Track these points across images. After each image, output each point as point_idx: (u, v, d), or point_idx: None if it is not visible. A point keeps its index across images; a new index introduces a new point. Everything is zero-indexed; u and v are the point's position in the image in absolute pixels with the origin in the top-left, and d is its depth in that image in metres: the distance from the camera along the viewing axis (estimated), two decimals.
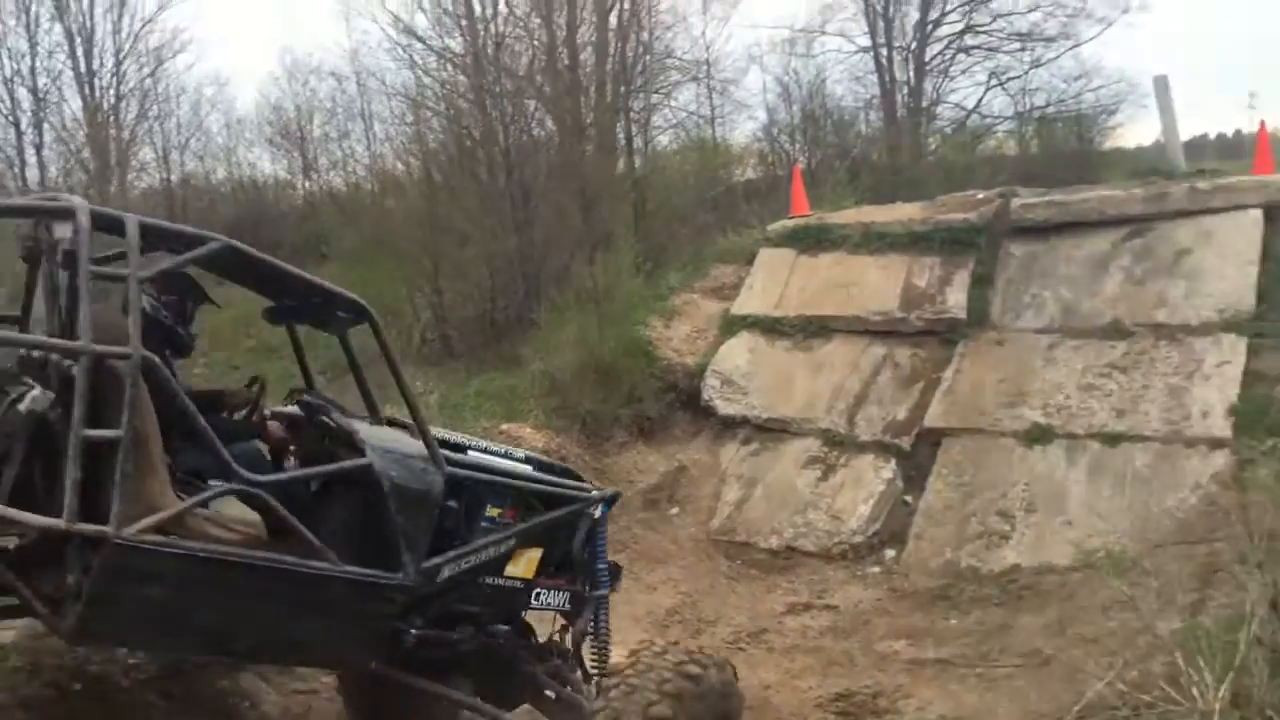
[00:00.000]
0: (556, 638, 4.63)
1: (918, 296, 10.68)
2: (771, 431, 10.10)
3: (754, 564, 8.95)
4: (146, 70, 23.41)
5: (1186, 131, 18.26)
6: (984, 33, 25.57)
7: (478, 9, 19.98)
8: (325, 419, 4.06)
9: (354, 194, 23.25)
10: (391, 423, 4.54)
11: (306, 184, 26.42)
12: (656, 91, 22.90)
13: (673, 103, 23.80)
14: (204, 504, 3.50)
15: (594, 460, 9.79)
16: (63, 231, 3.31)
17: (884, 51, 25.46)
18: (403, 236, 15.15)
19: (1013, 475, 8.65)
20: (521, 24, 20.29)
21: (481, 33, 19.35)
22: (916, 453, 9.37)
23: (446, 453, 4.14)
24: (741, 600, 8.38)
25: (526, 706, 4.60)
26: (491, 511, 4.23)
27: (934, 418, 9.48)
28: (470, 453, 4.34)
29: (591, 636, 4.69)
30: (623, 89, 21.19)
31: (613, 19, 22.03)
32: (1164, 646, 4.83)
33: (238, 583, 3.49)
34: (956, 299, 10.48)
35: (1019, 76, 25.23)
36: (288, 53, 29.79)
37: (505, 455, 4.53)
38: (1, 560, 3.32)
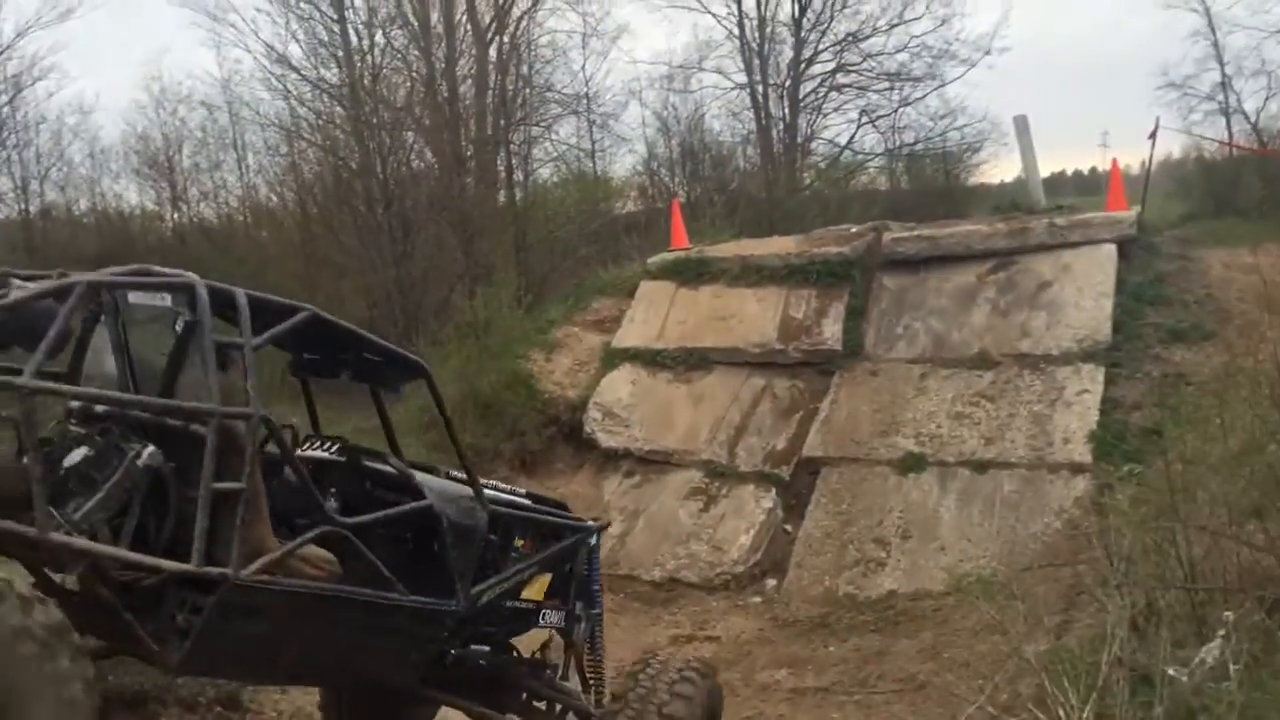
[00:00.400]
0: (539, 654, 4.96)
1: (795, 328, 10.88)
2: (654, 463, 10.14)
3: (638, 597, 8.94)
4: (4, 98, 22.48)
5: (1046, 168, 19.00)
6: (855, 72, 26.31)
7: (354, 40, 19.79)
8: (381, 465, 4.45)
9: (226, 226, 22.68)
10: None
11: (175, 215, 25.65)
12: (537, 124, 22.93)
13: (553, 136, 23.87)
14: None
15: None
16: (177, 304, 3.77)
17: (760, 88, 25.98)
18: (277, 269, 14.80)
19: (888, 503, 8.84)
20: (400, 56, 20.14)
21: (359, 64, 19.14)
22: (796, 482, 9.52)
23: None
24: (625, 634, 8.33)
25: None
26: (518, 542, 4.70)
27: (812, 447, 9.65)
28: (488, 492, 4.69)
29: (589, 650, 5.09)
30: (503, 121, 21.16)
31: (492, 52, 22.03)
32: (1031, 668, 4.96)
33: (326, 615, 3.83)
34: (832, 331, 10.71)
35: (889, 115, 26.03)
36: (155, 80, 28.91)
37: (510, 493, 4.98)
38: (120, 600, 3.50)
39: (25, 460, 3.30)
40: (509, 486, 5.05)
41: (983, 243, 10.97)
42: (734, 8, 26.39)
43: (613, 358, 11.36)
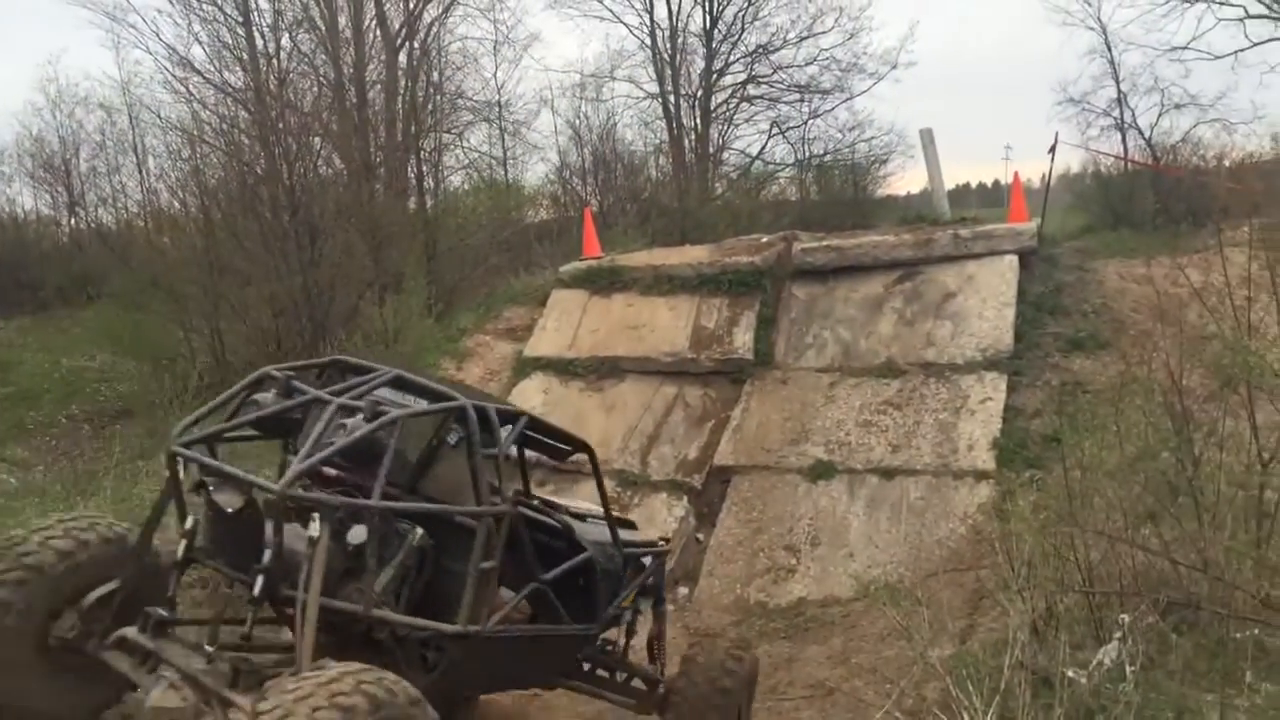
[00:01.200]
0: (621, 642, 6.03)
1: (707, 337, 10.94)
2: (566, 473, 10.05)
3: None
4: None
5: (951, 181, 19.49)
6: (765, 83, 26.74)
7: (260, 43, 19.43)
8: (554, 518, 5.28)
9: (125, 232, 22.07)
10: None
11: (73, 221, 24.95)
12: (448, 131, 22.82)
13: (465, 143, 23.78)
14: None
15: None
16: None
17: (672, 98, 26.18)
18: (179, 276, 14.43)
19: (798, 510, 8.92)
20: (307, 60, 19.84)
21: (264, 68, 18.79)
22: (708, 490, 9.55)
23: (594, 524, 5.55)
24: None
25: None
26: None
27: (724, 456, 9.69)
28: (589, 520, 5.60)
29: (658, 636, 6.14)
30: (413, 128, 20.97)
31: (402, 58, 21.84)
32: (936, 673, 5.05)
33: (526, 647, 4.95)
34: (744, 340, 10.78)
35: (798, 126, 26.52)
36: (51, 83, 28.01)
37: (602, 519, 5.67)
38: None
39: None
40: (599, 510, 5.70)
41: (889, 253, 11.16)
42: (646, 18, 26.66)
43: (524, 367, 11.29)
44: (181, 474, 4.30)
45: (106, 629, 4.26)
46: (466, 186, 23.72)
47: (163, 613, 4.16)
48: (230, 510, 4.15)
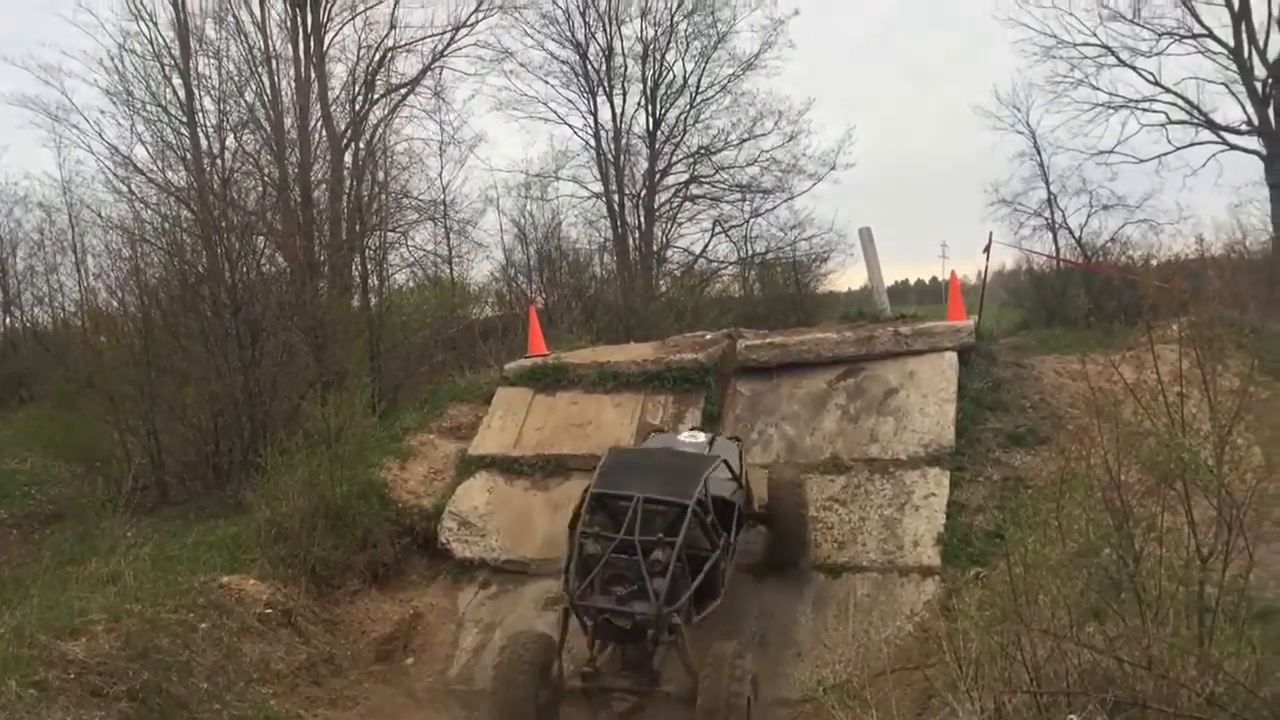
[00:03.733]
0: None
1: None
2: (511, 573, 9.94)
3: None
4: None
5: (891, 277, 19.91)
6: (708, 183, 27.35)
7: (204, 143, 19.50)
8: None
9: (62, 331, 21.75)
10: None
11: (7, 321, 24.59)
12: (393, 230, 22.92)
13: (410, 241, 23.88)
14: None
15: (324, 611, 9.29)
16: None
17: (616, 197, 26.62)
18: (116, 376, 14.16)
19: (744, 606, 8.83)
20: (252, 160, 19.92)
21: (208, 167, 18.83)
22: None
23: None
24: None
25: None
26: None
27: None
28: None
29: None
30: (358, 227, 21.05)
31: (348, 158, 22.02)
32: None
33: None
34: None
35: (741, 225, 27.06)
36: None
37: None
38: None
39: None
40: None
41: (832, 350, 11.30)
42: (590, 120, 27.22)
43: (469, 465, 11.18)
44: None
45: None
46: (411, 284, 23.78)
47: None
48: None
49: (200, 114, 20.21)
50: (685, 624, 7.16)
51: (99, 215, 19.54)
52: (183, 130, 20.15)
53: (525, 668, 6.95)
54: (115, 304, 15.53)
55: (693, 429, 10.04)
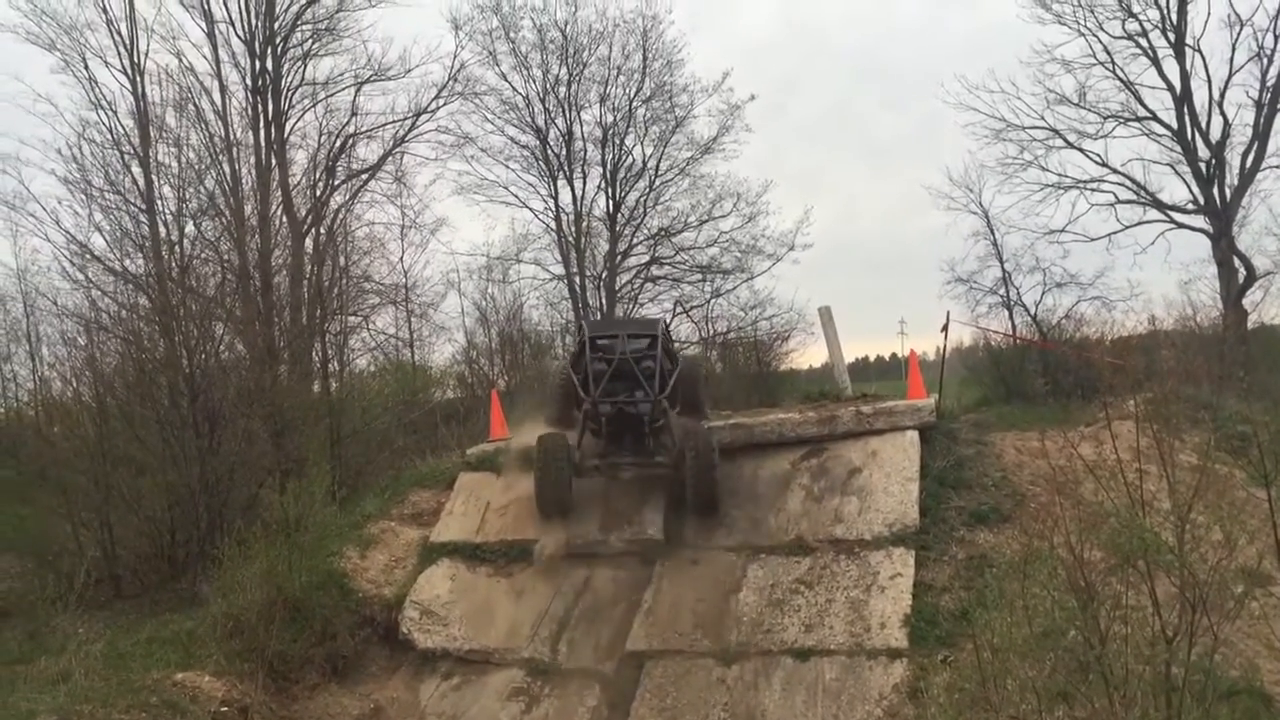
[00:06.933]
0: None
1: (616, 518, 10.84)
2: (474, 663, 9.74)
3: None
4: None
5: (851, 354, 20.06)
6: (668, 264, 27.54)
7: (162, 231, 19.43)
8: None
9: (14, 422, 21.38)
10: None
11: None
12: (354, 314, 22.85)
13: (371, 326, 23.81)
14: None
15: (281, 708, 9.03)
16: None
17: (577, 279, 26.73)
18: (69, 467, 13.91)
19: (713, 696, 8.69)
20: (211, 246, 19.85)
21: (167, 255, 18.74)
22: (620, 678, 9.25)
23: None
24: None
25: None
26: None
27: (635, 640, 9.46)
28: None
29: None
30: (319, 312, 20.97)
31: (309, 243, 22.02)
32: None
33: None
34: (653, 519, 10.72)
35: (702, 305, 27.16)
36: None
37: None
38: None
39: None
40: None
41: (795, 430, 11.33)
42: (551, 204, 27.44)
43: (431, 553, 11.02)
44: None
45: None
46: (372, 369, 23.66)
47: None
48: None
49: (160, 201, 20.14)
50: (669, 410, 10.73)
51: (54, 303, 19.33)
52: (141, 218, 20.06)
53: (560, 453, 10.60)
54: (69, 394, 15.31)
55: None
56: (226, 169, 21.27)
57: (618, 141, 27.30)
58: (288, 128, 23.14)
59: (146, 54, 21.75)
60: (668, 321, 12.92)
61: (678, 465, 10.47)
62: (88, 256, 19.31)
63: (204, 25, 22.41)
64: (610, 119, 27.18)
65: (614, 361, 10.86)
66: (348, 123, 23.96)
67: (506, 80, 26.77)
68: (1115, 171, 23.63)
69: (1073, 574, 5.21)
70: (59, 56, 21.42)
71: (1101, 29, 23.11)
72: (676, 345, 12.52)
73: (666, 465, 10.59)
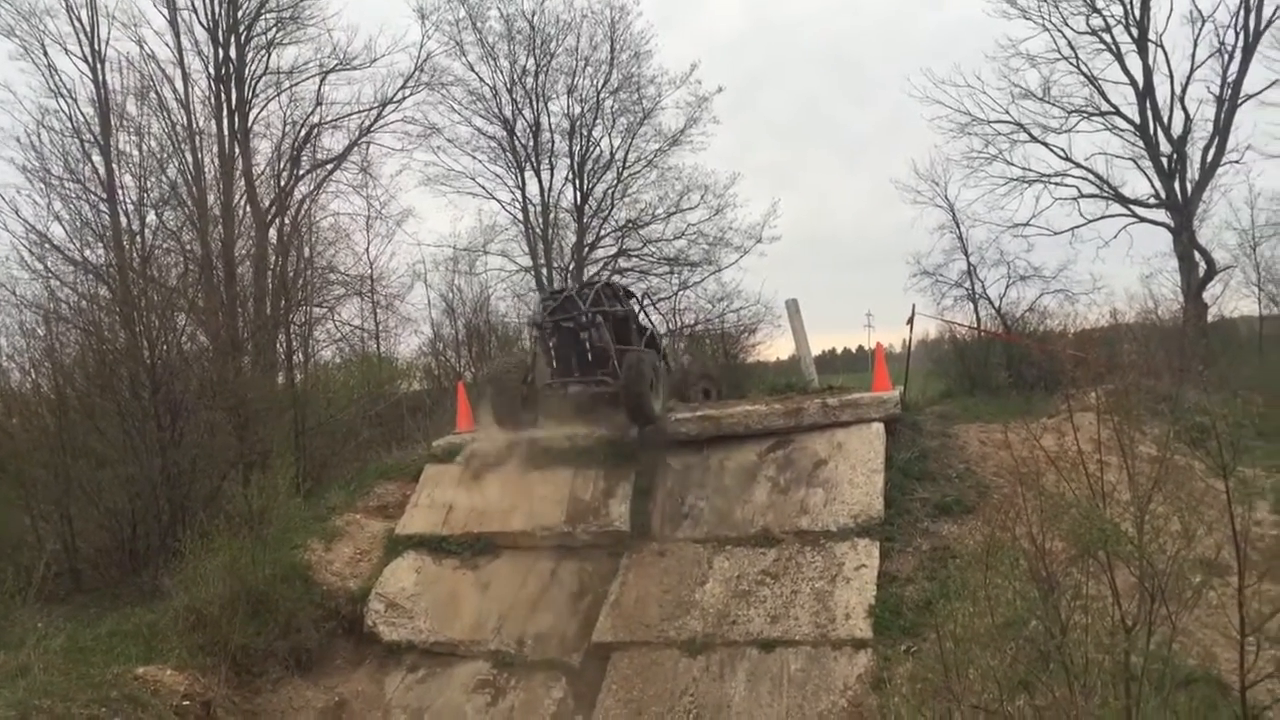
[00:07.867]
0: None
1: (582, 510, 10.85)
2: (439, 656, 9.73)
3: None
4: None
5: (818, 347, 20.14)
6: (636, 256, 27.50)
7: (124, 221, 19.19)
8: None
9: None
10: None
11: None
12: (319, 305, 22.66)
13: (336, 317, 23.62)
14: None
15: (244, 701, 8.98)
16: None
17: (545, 271, 26.64)
18: (28, 459, 13.69)
19: (679, 686, 8.72)
20: (174, 236, 19.63)
21: (128, 245, 18.51)
22: (586, 669, 9.28)
23: None
24: None
25: None
26: None
27: (602, 632, 9.48)
28: None
29: None
30: (283, 303, 20.77)
31: (273, 233, 21.81)
32: None
33: None
34: (619, 511, 10.73)
35: (669, 297, 27.13)
36: None
37: None
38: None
39: None
40: None
41: (761, 422, 11.36)
42: (518, 194, 27.33)
43: (396, 545, 10.99)
44: None
45: None
46: (338, 360, 23.49)
47: None
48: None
49: (121, 190, 19.89)
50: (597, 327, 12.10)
51: (13, 293, 19.02)
52: (102, 207, 19.81)
53: (513, 371, 12.64)
54: (28, 385, 15.07)
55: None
56: (189, 158, 21.06)
57: (585, 133, 27.22)
58: (251, 116, 22.91)
59: (107, 41, 21.48)
60: (628, 287, 14.18)
61: (618, 383, 11.81)
62: (47, 246, 19.04)
63: (166, 12, 22.14)
64: (578, 110, 27.09)
65: (561, 293, 12.53)
66: (312, 112, 23.77)
67: (473, 70, 26.60)
68: (1079, 166, 23.85)
69: (1034, 564, 5.26)
70: (18, 43, 21.08)
71: (1066, 24, 23.28)
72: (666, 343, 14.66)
73: (608, 384, 11.90)
